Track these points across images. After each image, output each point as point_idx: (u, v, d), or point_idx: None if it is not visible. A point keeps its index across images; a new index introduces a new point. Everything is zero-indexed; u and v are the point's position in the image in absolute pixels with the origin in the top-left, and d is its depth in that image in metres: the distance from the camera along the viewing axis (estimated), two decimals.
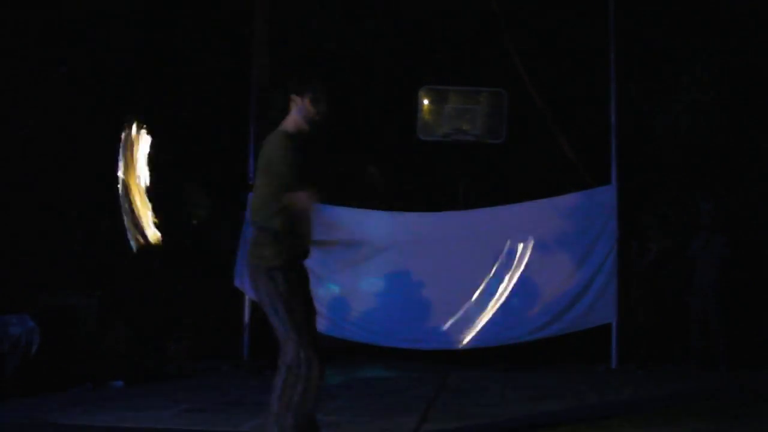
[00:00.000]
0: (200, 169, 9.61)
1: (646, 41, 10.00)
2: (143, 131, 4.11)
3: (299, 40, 10.47)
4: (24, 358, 6.26)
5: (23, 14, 8.49)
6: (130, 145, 4.12)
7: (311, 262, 8.78)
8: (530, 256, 8.21)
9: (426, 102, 9.37)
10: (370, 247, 8.56)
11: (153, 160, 4.31)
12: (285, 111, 4.16)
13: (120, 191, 4.12)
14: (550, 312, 8.05)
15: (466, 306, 8.21)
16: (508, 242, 8.29)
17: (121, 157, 4.09)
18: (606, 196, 8.17)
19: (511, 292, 8.22)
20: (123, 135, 4.03)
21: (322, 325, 8.41)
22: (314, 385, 3.89)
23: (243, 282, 8.43)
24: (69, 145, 9.05)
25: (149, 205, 4.23)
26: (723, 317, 8.09)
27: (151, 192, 4.27)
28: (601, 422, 4.77)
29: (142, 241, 4.15)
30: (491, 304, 8.22)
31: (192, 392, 6.39)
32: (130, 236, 4.03)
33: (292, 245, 4.05)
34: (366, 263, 8.56)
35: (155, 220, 4.19)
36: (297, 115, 4.07)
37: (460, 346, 8.25)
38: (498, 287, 8.25)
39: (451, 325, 8.17)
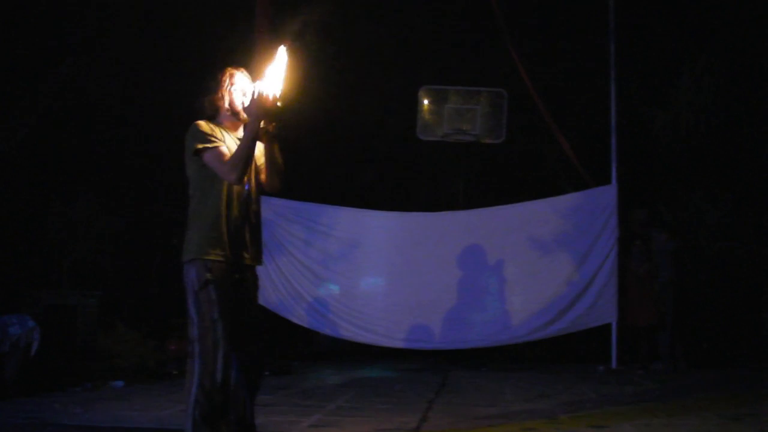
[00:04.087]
0: None
1: (646, 41, 10.02)
2: None
3: (300, 41, 10.48)
4: (24, 359, 6.25)
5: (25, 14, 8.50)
6: None
7: (311, 262, 8.87)
8: (530, 256, 8.21)
9: (426, 102, 9.38)
10: (370, 247, 8.57)
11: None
12: None
13: None
14: (550, 312, 8.04)
15: (466, 306, 8.21)
16: (508, 242, 8.29)
17: None
18: (606, 196, 8.17)
19: (511, 292, 8.23)
20: None
21: (323, 325, 8.50)
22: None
23: None
24: (69, 145, 9.06)
25: None
26: (669, 319, 8.18)
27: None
28: (601, 420, 4.77)
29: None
30: (491, 304, 8.23)
31: None
32: None
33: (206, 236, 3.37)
34: (366, 263, 8.57)
35: None
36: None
37: (460, 346, 8.26)
38: (498, 287, 8.25)
39: (451, 325, 8.17)
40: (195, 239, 3.39)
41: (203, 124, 3.45)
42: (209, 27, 9.71)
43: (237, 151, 3.36)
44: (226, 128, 3.53)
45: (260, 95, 3.37)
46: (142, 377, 7.18)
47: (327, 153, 11.43)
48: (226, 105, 3.51)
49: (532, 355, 9.10)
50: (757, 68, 9.58)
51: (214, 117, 3.55)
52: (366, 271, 8.62)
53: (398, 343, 8.29)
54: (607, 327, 8.13)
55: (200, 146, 3.37)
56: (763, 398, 5.92)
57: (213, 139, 3.39)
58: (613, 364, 8.09)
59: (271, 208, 8.61)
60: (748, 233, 9.36)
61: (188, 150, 3.43)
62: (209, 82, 3.55)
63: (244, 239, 3.45)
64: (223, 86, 3.52)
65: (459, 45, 11.19)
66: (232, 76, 3.53)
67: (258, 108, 3.36)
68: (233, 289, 3.39)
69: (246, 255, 3.46)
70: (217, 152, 3.37)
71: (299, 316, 8.44)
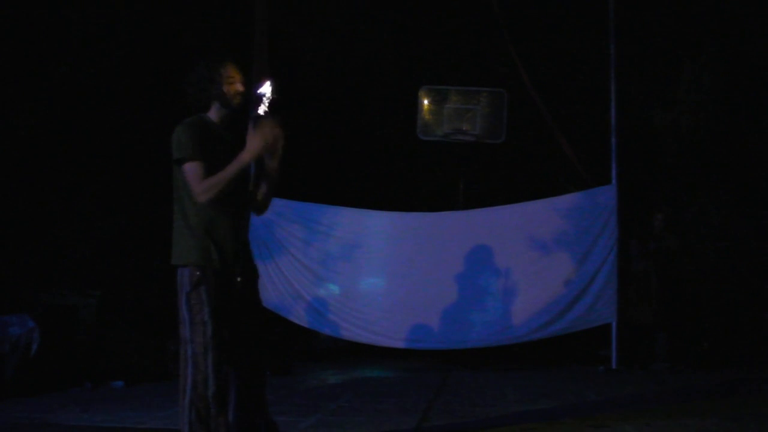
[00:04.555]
0: None
1: (646, 41, 10.02)
2: None
3: (300, 41, 10.48)
4: (24, 359, 6.26)
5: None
6: None
7: (311, 262, 8.87)
8: (530, 256, 8.21)
9: (426, 102, 9.38)
10: (370, 247, 8.56)
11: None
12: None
13: None
14: (550, 312, 8.05)
15: (466, 306, 8.21)
16: (508, 242, 8.29)
17: None
18: (606, 196, 8.17)
19: (511, 292, 8.23)
20: None
21: (322, 325, 8.49)
22: None
23: None
24: (68, 145, 9.06)
25: None
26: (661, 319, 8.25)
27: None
28: (601, 420, 4.77)
29: None
30: (491, 304, 8.23)
31: None
32: None
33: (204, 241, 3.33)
34: (366, 263, 8.57)
35: None
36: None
37: (459, 346, 8.26)
38: (498, 287, 8.25)
39: (451, 325, 8.17)
40: (186, 243, 3.34)
41: (190, 130, 3.31)
42: (209, 27, 9.70)
43: (218, 176, 3.24)
44: (213, 122, 3.41)
45: (265, 126, 3.28)
46: (142, 377, 7.18)
47: (327, 153, 11.43)
48: (221, 96, 3.38)
49: (532, 355, 9.09)
50: (758, 67, 9.58)
51: (203, 106, 3.42)
52: (366, 271, 8.62)
53: (398, 343, 8.29)
54: (607, 327, 8.13)
55: (181, 156, 3.27)
56: (763, 399, 5.92)
57: (196, 151, 3.25)
58: (613, 364, 8.09)
59: (271, 208, 8.56)
60: (748, 233, 9.35)
61: (173, 155, 3.33)
62: (203, 68, 3.40)
63: (236, 242, 3.41)
64: (220, 75, 3.38)
65: (459, 45, 11.19)
66: (230, 67, 3.41)
67: (260, 142, 3.28)
68: (228, 292, 3.35)
69: (238, 256, 3.42)
70: (196, 169, 3.24)
71: (299, 316, 8.43)
